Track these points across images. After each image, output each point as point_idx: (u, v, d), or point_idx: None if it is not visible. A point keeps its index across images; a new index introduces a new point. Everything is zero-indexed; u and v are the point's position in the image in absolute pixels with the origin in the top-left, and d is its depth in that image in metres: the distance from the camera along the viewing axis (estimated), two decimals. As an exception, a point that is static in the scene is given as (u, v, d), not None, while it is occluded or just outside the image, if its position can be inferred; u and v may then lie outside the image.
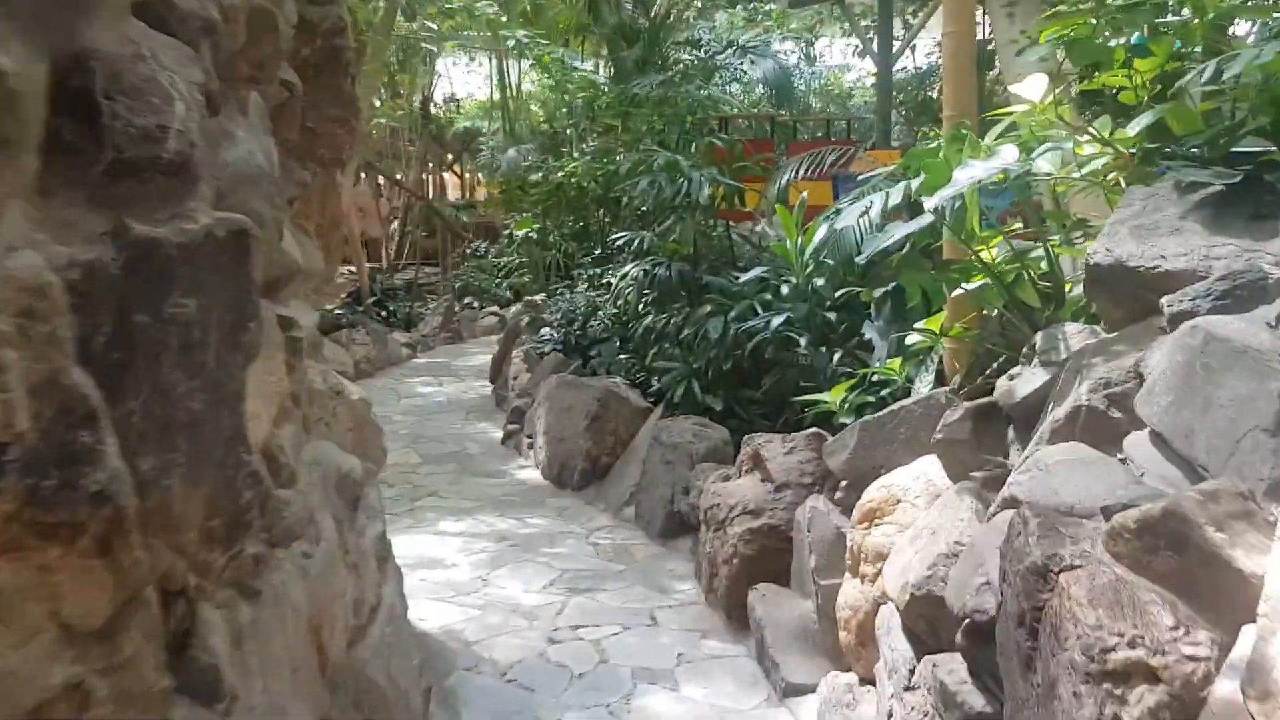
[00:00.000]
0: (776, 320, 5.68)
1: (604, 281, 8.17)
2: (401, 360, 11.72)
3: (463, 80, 31.66)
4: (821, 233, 5.11)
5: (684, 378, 6.37)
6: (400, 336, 12.13)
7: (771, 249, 6.42)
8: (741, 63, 11.39)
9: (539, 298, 14.27)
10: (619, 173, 8.11)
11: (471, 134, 33.58)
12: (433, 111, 31.22)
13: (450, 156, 33.07)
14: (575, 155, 8.98)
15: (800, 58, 19.02)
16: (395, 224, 26.89)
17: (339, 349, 10.56)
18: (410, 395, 9.97)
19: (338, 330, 11.21)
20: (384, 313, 13.62)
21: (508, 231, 9.80)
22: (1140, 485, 1.99)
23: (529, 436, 7.64)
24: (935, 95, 17.03)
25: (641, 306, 7.33)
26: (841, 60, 23.23)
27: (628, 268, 7.42)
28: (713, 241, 7.20)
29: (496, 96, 22.50)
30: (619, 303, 7.41)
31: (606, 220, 9.14)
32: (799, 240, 5.94)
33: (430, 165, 32.91)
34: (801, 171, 6.76)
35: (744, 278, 6.14)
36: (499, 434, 8.19)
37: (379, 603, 2.86)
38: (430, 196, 28.48)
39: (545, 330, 9.09)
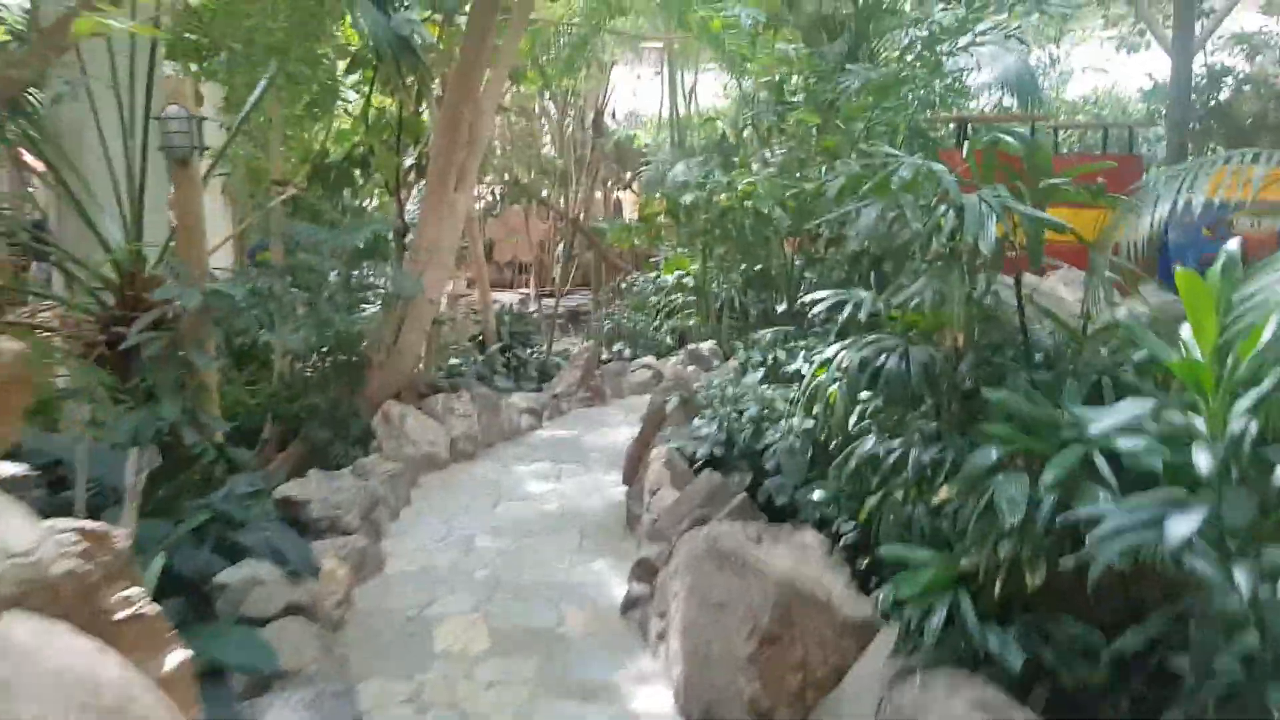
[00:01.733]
0: (1180, 524, 2.55)
1: (789, 371, 5.14)
2: (519, 434, 9.02)
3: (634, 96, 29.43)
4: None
5: (942, 587, 3.31)
6: (520, 400, 9.43)
7: (1142, 346, 3.25)
8: (969, 59, 8.26)
9: (706, 347, 11.37)
10: (819, 195, 5.12)
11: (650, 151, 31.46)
12: (608, 125, 29.18)
13: (629, 175, 31.02)
14: (753, 168, 6.09)
15: (1043, 57, 15.43)
16: (561, 246, 24.77)
17: (429, 423, 7.95)
18: (512, 496, 7.20)
19: (435, 394, 8.62)
20: (511, 360, 11.03)
21: (655, 274, 6.84)
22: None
23: (660, 615, 4.72)
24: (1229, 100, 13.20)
25: (856, 421, 4.30)
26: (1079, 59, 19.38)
27: (831, 349, 4.41)
28: (990, 316, 4.09)
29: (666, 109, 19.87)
30: (814, 408, 4.41)
31: (797, 265, 6.15)
32: (1217, 342, 2.79)
33: (608, 184, 30.97)
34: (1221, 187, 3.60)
35: (1097, 414, 3.03)
36: (620, 589, 5.31)
37: None
38: (598, 217, 26.23)
39: (700, 422, 6.16)
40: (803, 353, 5.05)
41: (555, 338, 14.01)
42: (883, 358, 4.26)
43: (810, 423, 4.67)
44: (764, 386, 5.03)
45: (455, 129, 8.95)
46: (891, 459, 4.05)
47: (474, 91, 9.08)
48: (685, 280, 6.57)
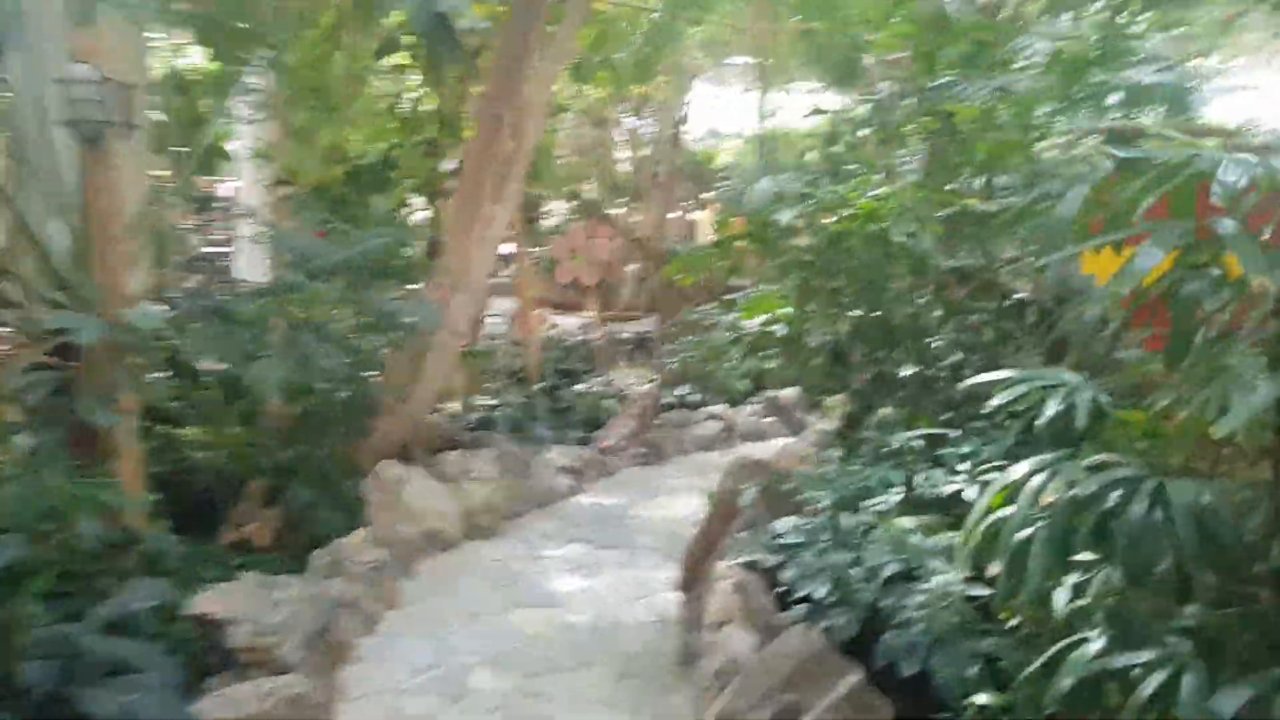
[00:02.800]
0: None
1: (936, 495, 3.28)
2: (554, 499, 7.31)
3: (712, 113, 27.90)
4: None
5: None
6: (560, 456, 7.72)
7: None
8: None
9: (787, 396, 9.60)
10: (988, 219, 3.35)
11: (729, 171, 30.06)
12: (686, 141, 27.77)
13: (706, 195, 29.71)
14: (879, 177, 4.33)
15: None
16: (633, 268, 23.22)
17: (437, 489, 6.29)
18: (532, 599, 5.50)
19: (452, 449, 6.98)
20: (558, 402, 9.35)
21: (733, 312, 5.08)
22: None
23: None
24: None
25: (1069, 598, 2.54)
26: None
27: (1020, 468, 2.66)
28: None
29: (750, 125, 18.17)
30: (989, 560, 2.66)
31: (934, 315, 4.36)
32: None
33: (688, 203, 29.54)
34: None
35: None
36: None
37: None
38: (670, 239, 24.69)
39: (786, 526, 4.40)
40: (963, 463, 3.27)
41: (617, 366, 12.37)
42: (1116, 497, 2.50)
43: (967, 583, 2.88)
44: (899, 518, 3.24)
45: (493, 130, 7.35)
46: (1149, 689, 2.26)
47: (518, 86, 7.48)
48: (772, 328, 4.87)
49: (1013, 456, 3.10)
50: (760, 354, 8.91)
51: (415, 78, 9.41)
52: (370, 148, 9.83)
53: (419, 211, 10.27)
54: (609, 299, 21.25)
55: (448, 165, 9.44)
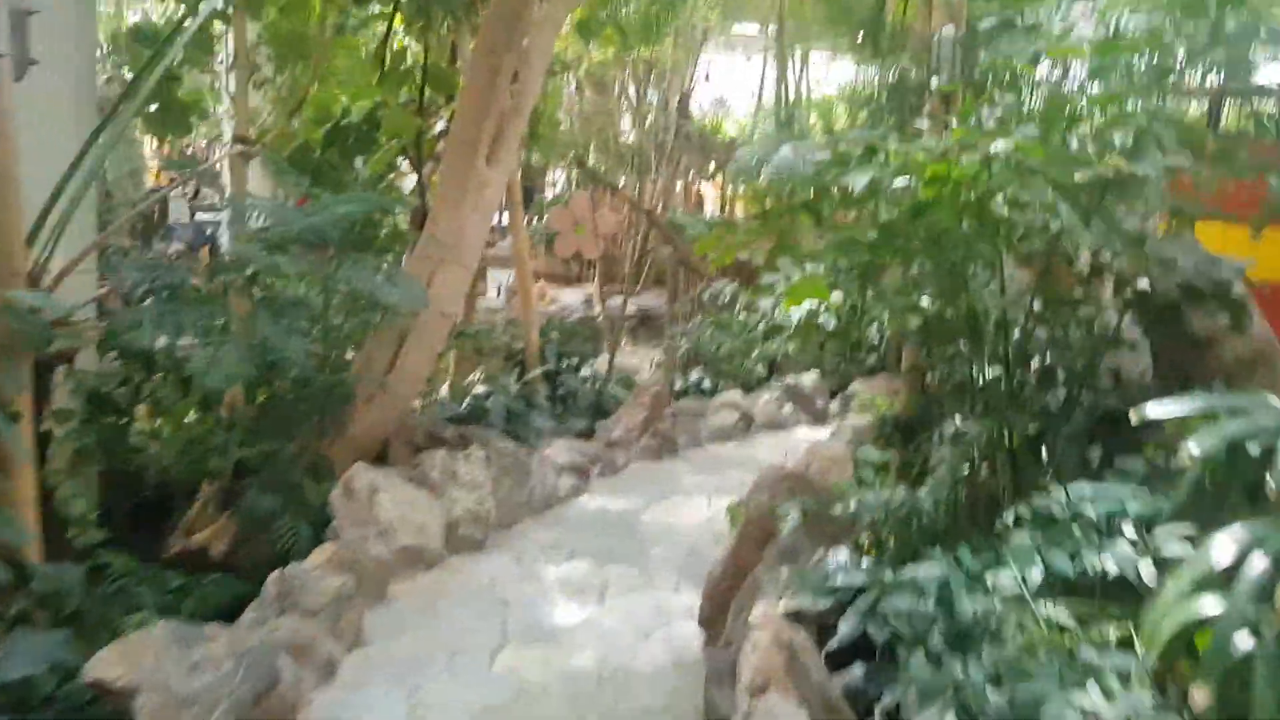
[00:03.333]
0: None
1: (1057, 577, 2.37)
2: (555, 502, 6.45)
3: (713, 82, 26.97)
4: None
5: None
6: (561, 452, 6.86)
7: None
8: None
9: (808, 381, 8.79)
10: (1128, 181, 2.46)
11: (739, 143, 29.40)
12: (693, 112, 26.94)
13: (713, 166, 28.87)
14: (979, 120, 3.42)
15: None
16: (633, 240, 22.32)
17: (418, 497, 5.43)
18: (526, 634, 4.64)
19: (438, 445, 6.11)
20: (558, 388, 8.48)
21: (760, 293, 4.14)
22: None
23: None
24: None
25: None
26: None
27: (1224, 547, 1.81)
28: None
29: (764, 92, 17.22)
30: (1185, 677, 1.82)
31: (1034, 309, 3.45)
32: None
33: (691, 175, 28.78)
34: None
35: None
36: None
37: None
38: (677, 210, 23.86)
39: (840, 565, 3.57)
40: (1122, 524, 2.39)
41: (621, 346, 11.47)
42: None
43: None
44: (1040, 600, 2.36)
45: (490, 83, 6.44)
46: None
47: (517, 35, 6.56)
48: (818, 318, 4.00)
49: (1183, 514, 2.24)
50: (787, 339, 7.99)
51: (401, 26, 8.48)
52: (356, 106, 8.90)
53: (408, 175, 9.36)
54: (611, 272, 20.36)
55: (438, 126, 8.54)
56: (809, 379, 9.44)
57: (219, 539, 5.66)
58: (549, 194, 22.53)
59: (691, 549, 5.78)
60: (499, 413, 7.21)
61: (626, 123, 21.90)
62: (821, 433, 9.09)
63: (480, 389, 7.91)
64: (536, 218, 19.09)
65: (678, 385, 9.38)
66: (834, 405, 9.31)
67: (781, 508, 4.29)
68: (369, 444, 6.27)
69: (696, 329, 10.01)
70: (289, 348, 4.79)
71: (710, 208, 29.55)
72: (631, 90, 21.90)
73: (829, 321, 4.04)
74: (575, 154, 11.84)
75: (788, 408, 9.16)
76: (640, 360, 15.44)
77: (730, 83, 26.86)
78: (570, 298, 20.43)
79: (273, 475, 5.58)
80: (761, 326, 8.59)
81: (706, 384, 9.22)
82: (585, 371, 8.85)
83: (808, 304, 4.06)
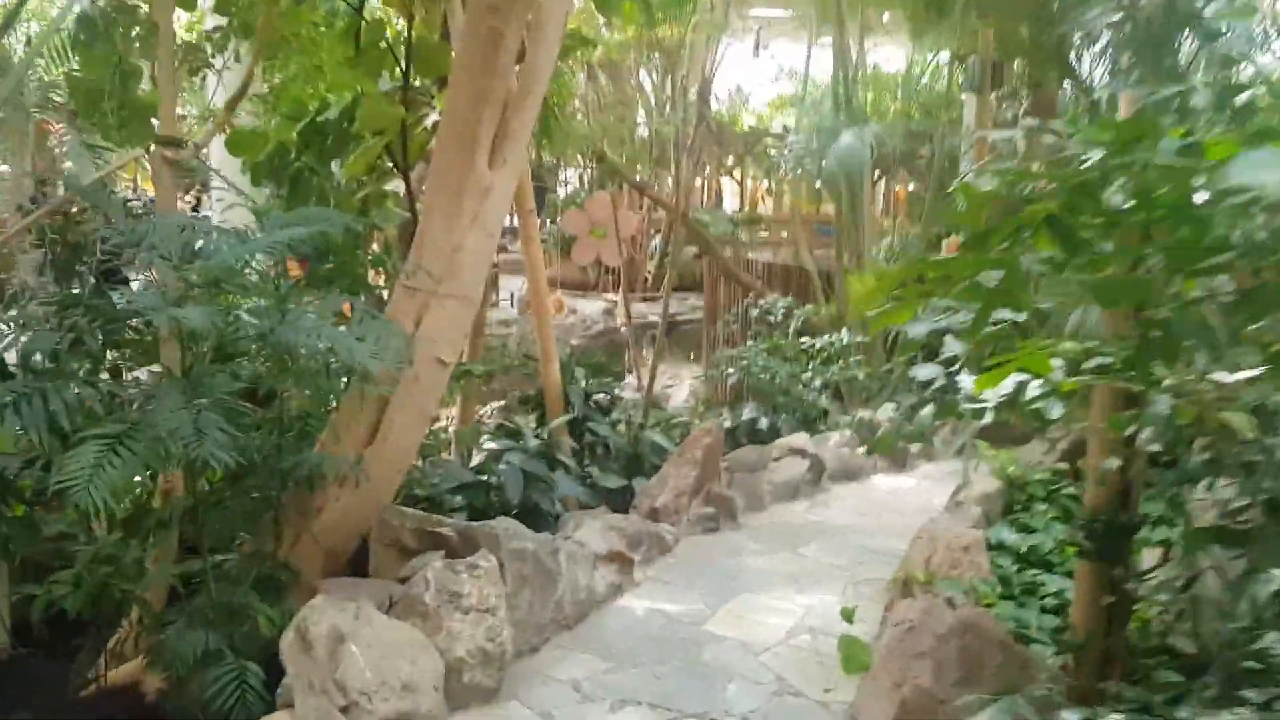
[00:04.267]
0: None
1: None
2: (590, 609, 4.88)
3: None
4: None
5: None
6: (597, 535, 5.27)
7: None
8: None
9: (884, 416, 7.33)
10: None
11: (758, 134, 27.53)
12: (714, 103, 25.35)
13: (731, 160, 27.27)
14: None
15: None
16: (657, 241, 20.75)
17: (400, 639, 3.84)
18: None
19: (431, 550, 4.53)
20: (586, 439, 6.90)
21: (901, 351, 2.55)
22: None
23: None
24: None
25: None
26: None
27: None
28: None
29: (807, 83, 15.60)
30: None
31: None
32: None
33: (709, 169, 27.22)
34: None
35: None
36: None
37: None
38: (698, 207, 22.34)
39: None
40: None
41: (646, 360, 9.93)
42: None
43: None
44: None
45: (489, 57, 4.85)
46: None
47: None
48: (1035, 400, 2.50)
49: None
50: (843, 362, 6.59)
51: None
52: (336, 98, 7.32)
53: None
54: (633, 277, 18.81)
55: (430, 118, 6.98)
56: (885, 413, 7.85)
57: (152, 674, 4.18)
58: (560, 194, 20.97)
59: (779, 686, 4.21)
60: (515, 482, 5.65)
61: (642, 114, 20.37)
62: (904, 482, 7.52)
63: (492, 443, 6.35)
64: (549, 221, 17.53)
65: (726, 422, 7.81)
66: (914, 450, 7.73)
67: (964, 700, 2.72)
68: (343, 542, 4.74)
69: (747, 354, 8.41)
70: (204, 444, 3.23)
71: (731, 203, 27.96)
72: (650, 77, 20.27)
73: (1052, 407, 2.46)
74: (592, 148, 10.14)
75: (860, 450, 7.58)
76: (673, 380, 13.84)
77: (747, 71, 25.33)
78: (589, 307, 18.78)
79: (209, 599, 4.05)
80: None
81: (764, 423, 7.63)
82: (614, 416, 7.25)
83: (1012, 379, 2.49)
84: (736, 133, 28.02)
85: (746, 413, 7.75)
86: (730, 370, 8.10)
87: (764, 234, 18.85)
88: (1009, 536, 5.06)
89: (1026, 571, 4.70)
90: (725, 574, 5.48)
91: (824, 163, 7.82)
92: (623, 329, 14.18)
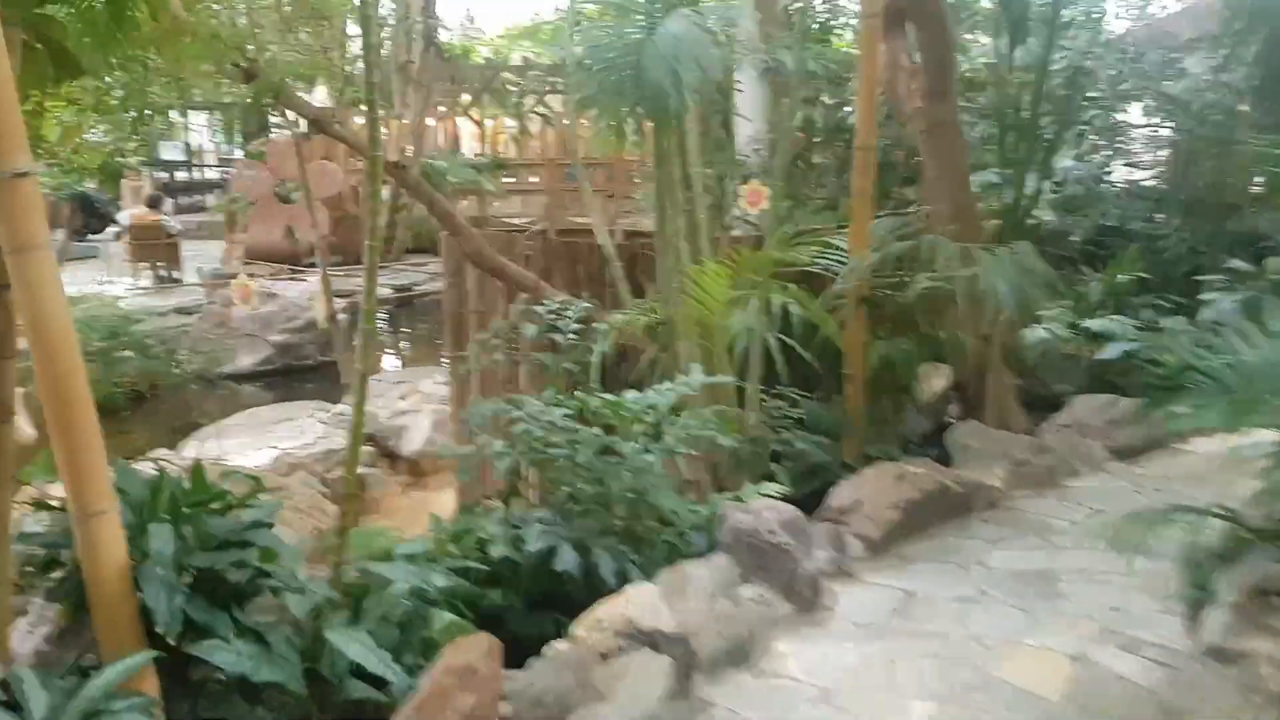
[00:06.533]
0: None
1: None
2: None
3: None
4: None
5: None
6: None
7: None
8: None
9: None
10: None
11: (495, 67, 22.82)
12: (440, 34, 21.62)
13: (468, 98, 24.25)
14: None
15: None
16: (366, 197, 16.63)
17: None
18: None
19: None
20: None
21: None
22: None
23: None
24: None
25: None
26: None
27: None
28: None
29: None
30: None
31: None
32: None
33: (442, 109, 23.76)
34: None
35: None
36: None
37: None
38: (433, 155, 18.44)
39: None
40: None
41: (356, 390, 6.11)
42: None
43: None
44: None
45: None
46: None
47: None
48: None
49: None
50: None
51: None
52: None
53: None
54: (347, 245, 14.62)
55: None
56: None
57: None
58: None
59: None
60: None
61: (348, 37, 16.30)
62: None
63: None
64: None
65: (502, 550, 4.04)
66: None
67: None
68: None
69: (521, 410, 4.55)
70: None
71: (469, 146, 24.13)
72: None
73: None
74: (234, 63, 5.67)
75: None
76: (411, 398, 9.81)
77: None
78: (297, 290, 14.19)
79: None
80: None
81: (569, 559, 3.89)
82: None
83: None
84: (472, 66, 23.98)
85: (535, 538, 3.98)
86: (499, 448, 4.30)
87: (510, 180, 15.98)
88: None
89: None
90: None
91: (638, 76, 4.28)
92: (322, 323, 10.04)
